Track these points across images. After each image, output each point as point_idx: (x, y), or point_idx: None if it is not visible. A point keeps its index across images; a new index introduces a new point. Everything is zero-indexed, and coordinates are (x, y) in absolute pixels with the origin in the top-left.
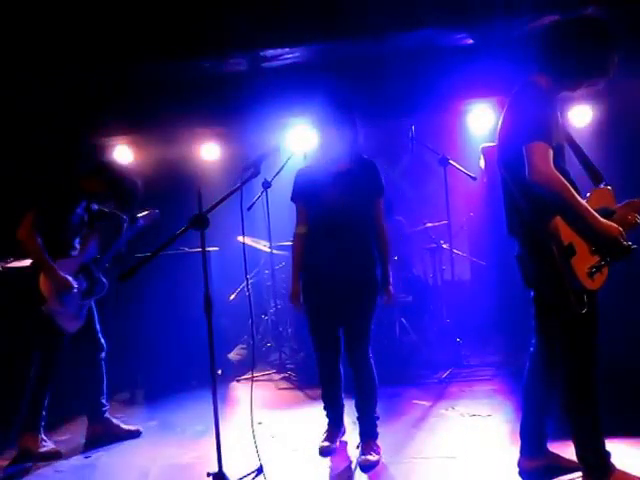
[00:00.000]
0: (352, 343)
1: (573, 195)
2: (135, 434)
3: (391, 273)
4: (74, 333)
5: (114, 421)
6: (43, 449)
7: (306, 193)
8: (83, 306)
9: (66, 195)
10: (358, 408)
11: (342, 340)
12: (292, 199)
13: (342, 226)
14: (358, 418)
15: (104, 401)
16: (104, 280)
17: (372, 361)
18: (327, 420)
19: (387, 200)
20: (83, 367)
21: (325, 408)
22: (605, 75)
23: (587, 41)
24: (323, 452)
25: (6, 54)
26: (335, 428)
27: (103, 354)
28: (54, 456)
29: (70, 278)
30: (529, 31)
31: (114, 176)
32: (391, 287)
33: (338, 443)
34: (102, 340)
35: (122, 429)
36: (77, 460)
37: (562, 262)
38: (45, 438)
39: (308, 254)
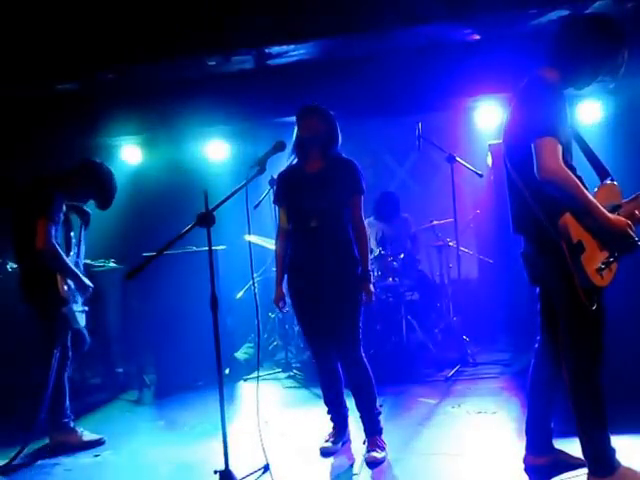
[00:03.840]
0: (341, 344)
1: (582, 191)
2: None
3: (371, 272)
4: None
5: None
6: (86, 438)
7: (285, 196)
8: (84, 303)
9: (55, 197)
10: (358, 407)
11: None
12: (274, 202)
13: (319, 228)
14: (360, 417)
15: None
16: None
17: (364, 359)
18: (332, 424)
19: (395, 199)
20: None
21: (329, 412)
22: (616, 74)
23: (603, 40)
24: (324, 453)
25: (9, 54)
26: (339, 432)
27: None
28: (98, 442)
29: (86, 279)
30: (541, 26)
31: (95, 172)
32: (371, 285)
33: (340, 444)
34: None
35: (83, 440)
36: (86, 459)
37: (571, 259)
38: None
39: (290, 257)
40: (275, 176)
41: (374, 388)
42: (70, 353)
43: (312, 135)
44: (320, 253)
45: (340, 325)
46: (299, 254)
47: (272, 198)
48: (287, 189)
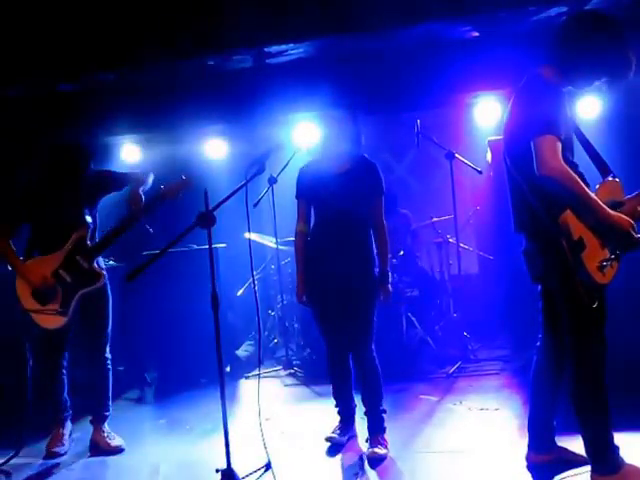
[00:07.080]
0: (355, 340)
1: (583, 188)
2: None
3: (390, 272)
4: (59, 329)
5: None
6: (53, 448)
7: (309, 192)
8: (68, 302)
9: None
10: (365, 403)
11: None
12: (297, 196)
13: (341, 226)
14: (365, 413)
15: (110, 402)
16: (99, 270)
17: (376, 357)
18: (339, 418)
19: (393, 194)
20: (89, 368)
21: (336, 405)
22: (623, 75)
23: (601, 38)
24: (330, 443)
25: (8, 54)
26: (347, 425)
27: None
28: (54, 456)
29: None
30: (540, 23)
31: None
32: (389, 286)
33: (346, 438)
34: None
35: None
36: (88, 457)
37: (572, 257)
38: (62, 437)
39: (310, 253)
40: (275, 175)
41: (382, 387)
42: (45, 355)
43: (342, 135)
44: (340, 252)
45: (354, 323)
46: (318, 251)
47: (296, 192)
48: (311, 185)
